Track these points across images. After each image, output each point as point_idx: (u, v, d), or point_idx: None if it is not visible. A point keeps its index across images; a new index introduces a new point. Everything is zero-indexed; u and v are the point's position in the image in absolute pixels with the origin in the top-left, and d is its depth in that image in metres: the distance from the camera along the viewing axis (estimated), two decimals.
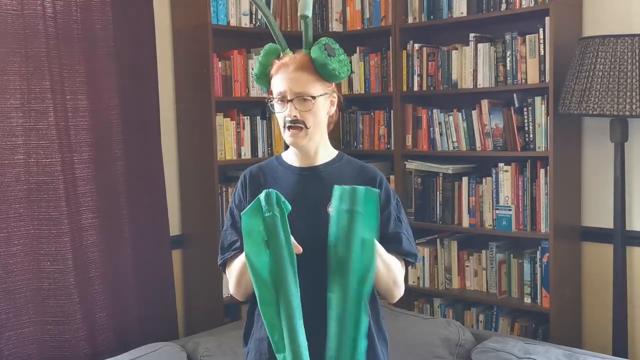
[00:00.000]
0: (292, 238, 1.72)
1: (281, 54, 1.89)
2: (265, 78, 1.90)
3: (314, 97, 1.83)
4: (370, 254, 1.74)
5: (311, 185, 1.89)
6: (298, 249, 1.74)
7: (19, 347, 2.77)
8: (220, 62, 3.32)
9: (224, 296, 3.29)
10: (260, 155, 3.47)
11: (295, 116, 1.82)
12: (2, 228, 2.73)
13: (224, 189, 3.36)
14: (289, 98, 1.83)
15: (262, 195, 1.73)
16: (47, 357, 2.84)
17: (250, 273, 1.72)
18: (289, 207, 1.74)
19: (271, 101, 1.90)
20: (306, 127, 1.84)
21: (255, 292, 1.73)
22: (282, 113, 1.85)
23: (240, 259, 1.85)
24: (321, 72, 1.84)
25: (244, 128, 3.42)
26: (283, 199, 1.73)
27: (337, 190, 1.76)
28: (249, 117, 3.44)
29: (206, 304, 3.38)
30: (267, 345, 1.83)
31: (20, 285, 2.77)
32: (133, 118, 3.10)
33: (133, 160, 3.11)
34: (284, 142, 3.47)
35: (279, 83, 1.85)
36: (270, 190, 1.74)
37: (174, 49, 3.37)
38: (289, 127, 1.84)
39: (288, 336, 1.69)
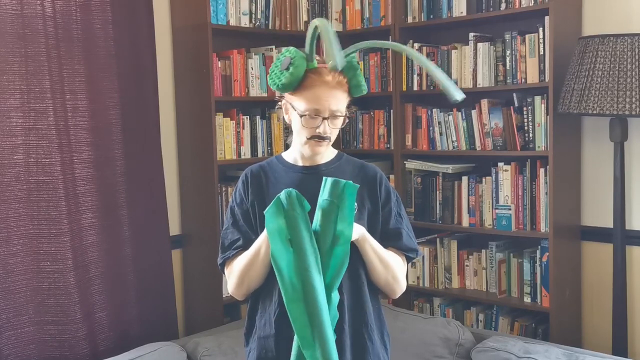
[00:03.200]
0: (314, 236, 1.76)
1: (307, 65, 1.84)
2: (293, 86, 1.84)
3: (345, 116, 1.87)
4: (344, 248, 1.76)
5: (312, 184, 1.89)
6: None
7: (19, 347, 2.77)
8: (219, 62, 3.32)
9: (224, 296, 3.29)
10: (260, 155, 3.47)
11: (327, 133, 1.84)
12: (2, 228, 2.73)
13: (223, 189, 3.36)
14: (324, 116, 1.83)
15: (282, 195, 1.76)
16: (47, 357, 2.84)
17: (276, 272, 1.75)
18: (309, 206, 1.77)
19: (285, 103, 1.88)
20: (329, 140, 1.87)
21: (281, 291, 1.75)
22: (311, 128, 1.83)
23: (244, 257, 1.86)
24: (353, 91, 1.87)
25: (243, 128, 3.42)
26: (303, 198, 1.76)
27: (323, 181, 1.79)
28: (248, 117, 3.44)
29: (206, 303, 3.38)
30: (273, 343, 1.84)
31: (20, 284, 2.77)
32: (133, 118, 3.10)
33: (133, 160, 3.11)
34: (284, 142, 3.53)
35: (316, 100, 1.82)
36: (290, 189, 1.77)
37: (174, 48, 3.37)
38: (315, 140, 1.85)
39: (317, 332, 1.71)
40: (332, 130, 1.85)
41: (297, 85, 1.84)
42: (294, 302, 1.73)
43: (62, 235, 2.84)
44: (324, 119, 1.83)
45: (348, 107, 1.92)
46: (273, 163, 1.99)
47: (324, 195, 1.77)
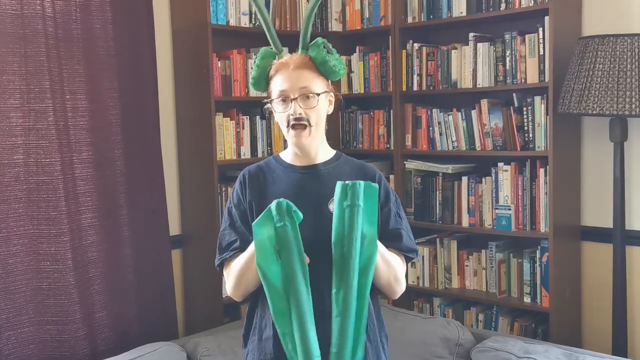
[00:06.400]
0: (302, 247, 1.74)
1: (277, 57, 1.90)
2: (263, 81, 1.90)
3: (317, 94, 1.85)
4: (372, 248, 1.76)
5: (311, 183, 1.89)
6: (307, 259, 1.75)
7: (19, 347, 2.77)
8: (219, 62, 3.32)
9: (224, 296, 3.29)
10: (259, 155, 3.47)
11: (300, 114, 1.82)
12: (2, 228, 2.73)
13: (223, 189, 3.36)
14: (292, 96, 1.83)
15: (273, 205, 1.74)
16: (47, 357, 2.84)
17: (263, 283, 1.74)
18: (301, 216, 1.74)
19: (269, 102, 1.90)
20: (310, 125, 1.84)
21: (269, 302, 1.74)
22: (285, 112, 1.84)
23: (240, 260, 1.86)
24: (322, 70, 1.86)
25: (243, 128, 3.42)
26: (294, 207, 1.74)
27: (338, 186, 1.78)
28: (248, 117, 3.44)
29: (206, 303, 3.38)
30: (272, 345, 1.83)
31: (19, 284, 2.78)
32: (133, 118, 3.10)
33: (133, 160, 3.11)
34: (284, 141, 3.52)
35: (280, 83, 1.85)
36: (281, 199, 1.74)
37: (174, 48, 3.37)
38: (293, 126, 1.84)
39: (301, 346, 1.69)
40: (306, 111, 1.83)
41: (268, 80, 1.89)
42: (280, 315, 1.72)
43: (62, 235, 2.84)
44: (293, 99, 1.83)
45: (343, 94, 1.92)
46: (271, 163, 1.98)
47: (345, 200, 1.75)
